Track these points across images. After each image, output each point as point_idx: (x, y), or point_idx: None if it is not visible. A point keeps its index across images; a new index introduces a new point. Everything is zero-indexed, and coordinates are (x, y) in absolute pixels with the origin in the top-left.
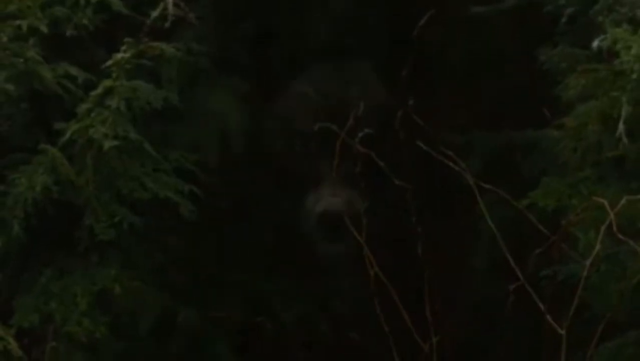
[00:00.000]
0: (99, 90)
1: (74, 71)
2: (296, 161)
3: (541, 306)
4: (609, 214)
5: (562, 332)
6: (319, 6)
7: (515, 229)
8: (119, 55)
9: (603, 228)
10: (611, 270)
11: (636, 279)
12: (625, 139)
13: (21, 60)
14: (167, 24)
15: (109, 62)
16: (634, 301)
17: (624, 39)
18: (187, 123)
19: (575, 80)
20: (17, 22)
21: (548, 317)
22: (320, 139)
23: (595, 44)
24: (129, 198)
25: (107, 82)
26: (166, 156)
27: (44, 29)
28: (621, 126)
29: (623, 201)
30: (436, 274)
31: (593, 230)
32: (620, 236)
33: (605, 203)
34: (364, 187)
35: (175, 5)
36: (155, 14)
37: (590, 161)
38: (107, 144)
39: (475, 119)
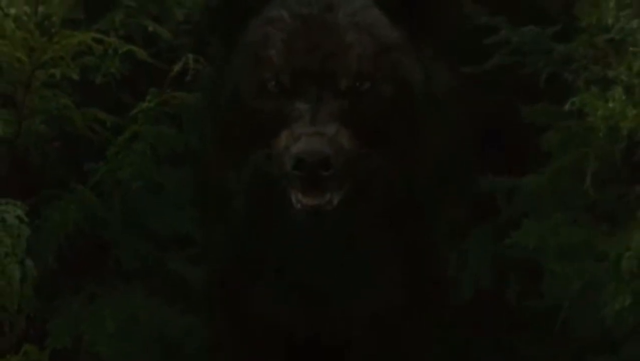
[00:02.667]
0: (126, 134)
1: (102, 115)
2: (269, 100)
3: None
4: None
5: None
6: None
7: (499, 264)
8: (145, 105)
9: None
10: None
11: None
12: (591, 191)
13: (54, 105)
14: (188, 77)
15: (135, 110)
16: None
17: (592, 103)
18: None
19: (553, 135)
20: (51, 70)
21: None
22: (299, 75)
23: (567, 106)
24: (153, 233)
25: (133, 127)
26: (187, 194)
27: (75, 76)
28: (588, 179)
29: None
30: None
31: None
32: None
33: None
34: (354, 126)
35: (195, 60)
36: (177, 67)
37: (565, 206)
38: (134, 184)
39: None
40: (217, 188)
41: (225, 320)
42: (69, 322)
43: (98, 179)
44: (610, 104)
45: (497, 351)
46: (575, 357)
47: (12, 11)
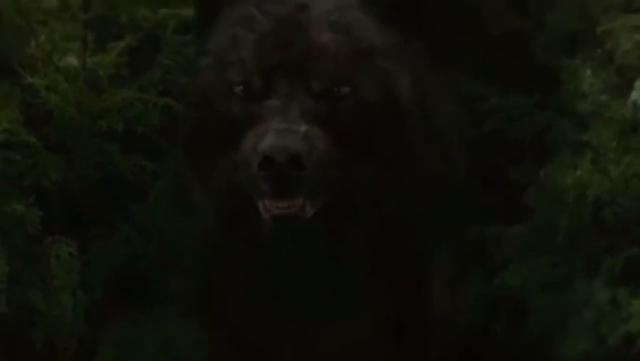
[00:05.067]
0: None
1: (143, 161)
2: (237, 103)
3: None
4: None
5: None
6: None
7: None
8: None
9: None
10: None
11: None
12: (562, 245)
13: (101, 152)
14: None
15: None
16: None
17: (561, 171)
18: None
19: (532, 193)
20: (99, 122)
21: None
22: (269, 75)
23: (542, 173)
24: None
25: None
26: None
27: (120, 128)
28: (560, 236)
29: None
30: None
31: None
32: None
33: None
34: (331, 131)
35: None
36: None
37: (545, 249)
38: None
39: None
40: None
41: (215, 336)
42: (115, 347)
43: (140, 220)
44: (578, 172)
45: None
46: None
47: (62, 64)
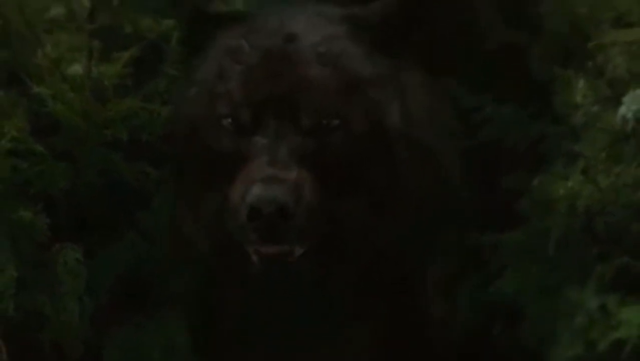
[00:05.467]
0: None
1: (147, 168)
2: (226, 137)
3: None
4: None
5: None
6: None
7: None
8: None
9: None
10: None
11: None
12: (552, 250)
13: (106, 160)
14: None
15: None
16: None
17: (553, 183)
18: None
19: (527, 201)
20: (104, 131)
21: None
22: (258, 110)
23: (535, 183)
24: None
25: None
26: None
27: (125, 136)
28: (551, 246)
29: None
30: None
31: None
32: None
33: None
34: (320, 171)
35: None
36: None
37: (539, 256)
38: None
39: None
40: (179, 229)
41: None
42: (120, 351)
43: (144, 226)
44: (570, 183)
45: None
46: None
47: (68, 73)
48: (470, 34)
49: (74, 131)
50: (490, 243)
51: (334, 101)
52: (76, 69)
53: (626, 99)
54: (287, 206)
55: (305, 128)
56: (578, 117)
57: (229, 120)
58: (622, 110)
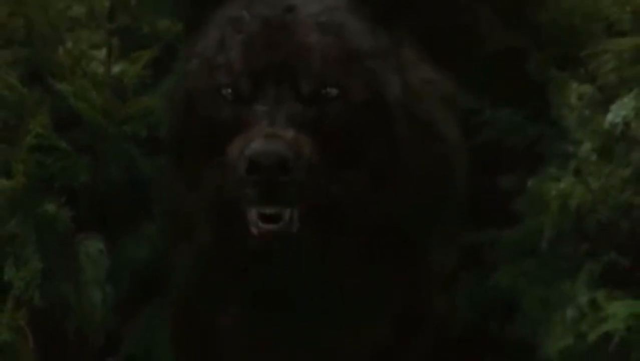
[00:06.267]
0: None
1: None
2: (225, 107)
3: None
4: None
5: None
6: None
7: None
8: None
9: None
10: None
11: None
12: (545, 247)
13: (126, 155)
14: None
15: None
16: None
17: (546, 184)
18: None
19: (523, 200)
20: (124, 127)
21: None
22: (257, 78)
23: (529, 183)
24: None
25: None
26: None
27: (143, 133)
28: (544, 242)
29: None
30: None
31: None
32: None
33: None
34: (319, 137)
35: None
36: None
37: (533, 252)
38: None
39: None
40: (177, 207)
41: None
42: (140, 334)
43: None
44: (562, 185)
45: None
46: None
47: (89, 69)
48: (470, 36)
49: (94, 127)
50: (487, 240)
51: (333, 69)
52: (96, 65)
53: (614, 106)
54: (286, 160)
55: (305, 95)
56: (572, 120)
57: (229, 90)
58: (610, 117)
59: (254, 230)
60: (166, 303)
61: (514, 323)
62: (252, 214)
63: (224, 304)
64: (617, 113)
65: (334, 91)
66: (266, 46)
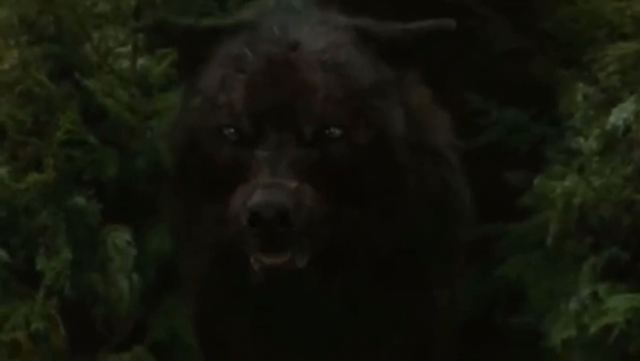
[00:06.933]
0: None
1: None
2: (227, 147)
3: None
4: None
5: None
6: None
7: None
8: None
9: None
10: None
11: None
12: (550, 242)
13: (152, 148)
14: None
15: None
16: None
17: (550, 183)
18: None
19: (529, 197)
20: (150, 123)
21: None
22: (259, 121)
23: (535, 182)
24: None
25: None
26: None
27: (168, 127)
28: (550, 238)
29: None
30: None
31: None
32: None
33: None
34: (321, 181)
35: None
36: None
37: (539, 246)
38: None
39: None
40: (179, 236)
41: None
42: (165, 322)
43: None
44: (566, 183)
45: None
46: None
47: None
48: (477, 39)
49: (121, 122)
50: (494, 234)
51: (336, 110)
52: (122, 62)
53: (615, 110)
54: (287, 211)
55: (307, 139)
56: (576, 120)
57: (231, 130)
58: (612, 119)
59: (256, 265)
60: None
61: (520, 312)
62: (254, 255)
63: (233, 316)
64: (619, 116)
65: (337, 132)
66: (268, 87)
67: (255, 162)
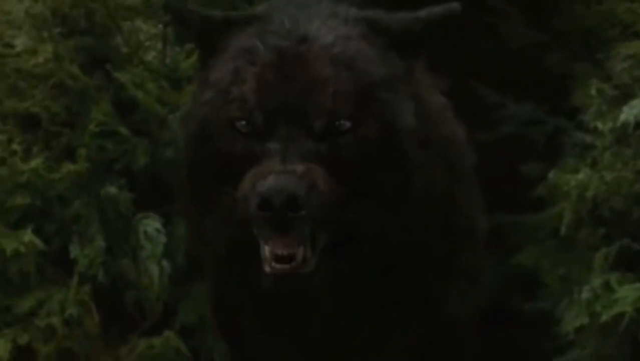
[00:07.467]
0: None
1: None
2: (239, 140)
3: None
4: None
5: None
6: None
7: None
8: None
9: None
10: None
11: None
12: (564, 232)
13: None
14: None
15: None
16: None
17: (564, 176)
18: None
19: (543, 187)
20: (178, 114)
21: None
22: (271, 115)
23: (550, 175)
24: None
25: None
26: None
27: None
28: (563, 228)
29: None
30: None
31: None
32: None
33: None
34: (332, 170)
35: None
36: None
37: (553, 236)
38: None
39: None
40: (192, 229)
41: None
42: (194, 304)
43: None
44: (580, 176)
45: (504, 346)
46: (563, 349)
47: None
48: (493, 34)
49: (151, 113)
50: (510, 223)
51: (346, 103)
52: (152, 55)
53: (626, 107)
54: (296, 197)
55: (317, 132)
56: (590, 114)
57: (243, 122)
58: (623, 116)
59: (267, 269)
60: None
61: (535, 299)
62: (266, 252)
63: (241, 313)
64: (630, 112)
65: (346, 124)
66: (279, 81)
67: (266, 154)
